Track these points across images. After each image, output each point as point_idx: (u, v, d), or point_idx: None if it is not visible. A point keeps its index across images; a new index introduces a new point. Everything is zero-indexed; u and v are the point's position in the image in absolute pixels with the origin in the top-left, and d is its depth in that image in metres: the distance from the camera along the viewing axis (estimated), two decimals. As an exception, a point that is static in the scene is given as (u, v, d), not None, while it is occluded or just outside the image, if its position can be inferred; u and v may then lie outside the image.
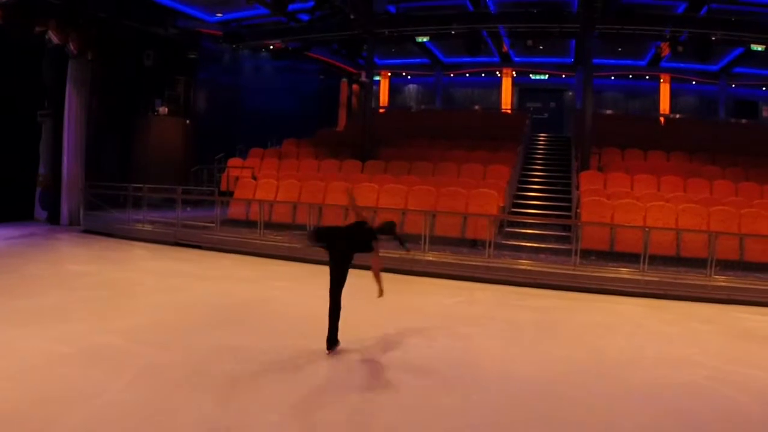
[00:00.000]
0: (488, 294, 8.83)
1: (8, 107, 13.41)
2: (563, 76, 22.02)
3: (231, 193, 13.71)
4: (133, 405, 4.30)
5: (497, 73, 22.68)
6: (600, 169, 13.37)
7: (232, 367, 5.12)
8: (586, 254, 9.98)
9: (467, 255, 10.20)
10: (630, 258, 9.53)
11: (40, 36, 13.04)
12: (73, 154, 13.95)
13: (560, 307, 8.17)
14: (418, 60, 22.51)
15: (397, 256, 9.80)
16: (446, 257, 10.02)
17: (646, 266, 9.08)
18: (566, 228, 11.27)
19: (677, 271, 9.26)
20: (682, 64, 20.07)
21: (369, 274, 5.56)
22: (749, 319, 7.88)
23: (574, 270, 9.29)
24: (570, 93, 22.09)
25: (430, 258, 9.94)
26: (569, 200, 12.83)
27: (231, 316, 6.98)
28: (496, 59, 21.50)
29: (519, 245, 10.69)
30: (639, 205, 10.68)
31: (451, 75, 23.39)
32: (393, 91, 24.46)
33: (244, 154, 16.12)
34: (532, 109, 21.32)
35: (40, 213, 14.50)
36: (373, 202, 11.71)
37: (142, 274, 9.41)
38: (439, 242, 10.47)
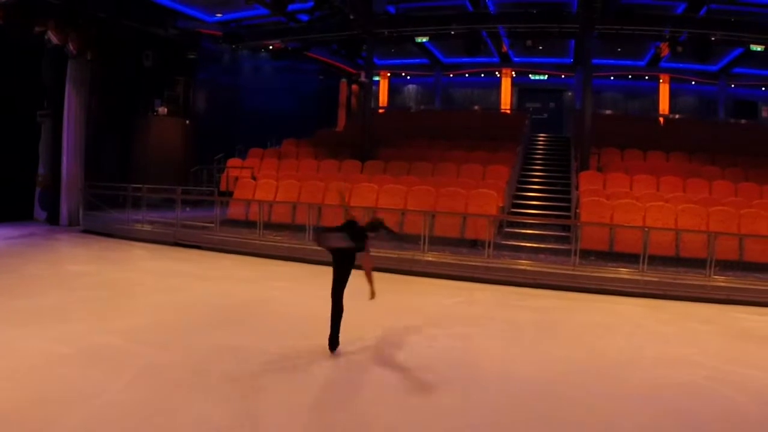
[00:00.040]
0: (488, 294, 8.83)
1: (8, 107, 13.42)
2: (563, 76, 22.04)
3: (230, 194, 13.70)
4: (133, 405, 4.30)
5: (497, 73, 22.69)
6: (599, 169, 13.37)
7: (232, 367, 5.13)
8: (586, 254, 9.98)
9: (467, 255, 10.20)
10: (629, 258, 9.53)
11: (40, 36, 13.04)
12: (72, 154, 13.95)
13: (560, 308, 8.18)
14: (417, 60, 22.52)
15: (396, 256, 9.85)
16: (446, 257, 10.03)
17: (645, 266, 9.08)
18: (566, 228, 11.28)
19: (676, 272, 9.26)
20: (681, 65, 20.08)
21: (373, 275, 5.58)
22: (748, 319, 7.88)
23: (573, 270, 9.29)
24: (569, 93, 22.11)
25: (430, 258, 9.95)
26: (568, 200, 12.83)
27: (231, 316, 6.98)
28: (496, 59, 21.50)
29: (518, 245, 10.69)
30: (638, 205, 10.69)
31: (451, 75, 23.40)
32: (392, 91, 24.46)
33: (243, 155, 16.12)
34: (531, 109, 21.29)
35: (39, 213, 14.50)
36: (373, 203, 11.72)
37: (142, 275, 9.41)
38: (439, 242, 10.47)
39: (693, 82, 21.38)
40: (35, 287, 7.89)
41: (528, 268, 9.47)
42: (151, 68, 16.56)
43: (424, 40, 16.83)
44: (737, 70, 19.97)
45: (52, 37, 13.06)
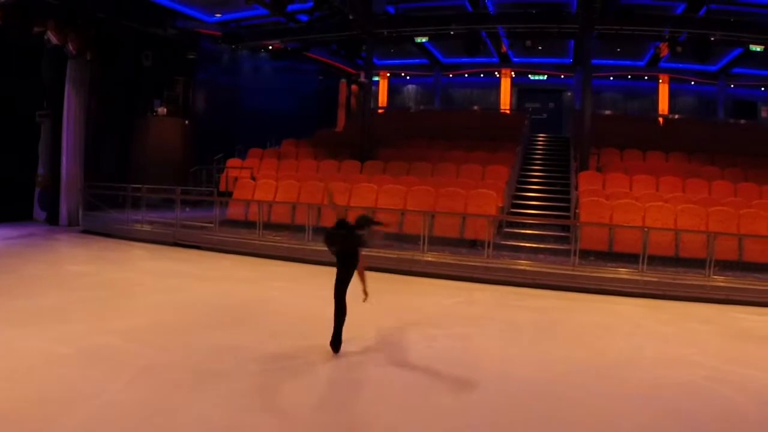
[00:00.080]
0: (487, 294, 8.84)
1: (7, 107, 13.41)
2: (562, 76, 22.04)
3: (230, 194, 13.69)
4: (132, 405, 4.30)
5: (496, 73, 22.68)
6: (599, 169, 13.37)
7: (231, 367, 5.13)
8: (585, 254, 9.98)
9: (466, 255, 10.20)
10: (629, 258, 9.53)
11: (39, 36, 13.03)
12: (71, 155, 13.94)
13: (559, 308, 8.18)
14: (417, 60, 22.52)
15: (395, 256, 9.85)
16: (445, 258, 10.03)
17: (644, 266, 9.09)
18: (565, 228, 11.28)
19: (676, 272, 9.27)
20: (681, 65, 20.08)
21: (365, 274, 5.58)
22: (747, 319, 7.89)
23: (572, 270, 9.30)
24: (569, 93, 22.11)
25: (429, 258, 9.95)
26: (568, 200, 12.83)
27: (230, 316, 6.99)
28: (495, 60, 21.50)
29: (518, 245, 10.69)
30: (638, 205, 10.69)
31: (450, 75, 23.39)
32: (392, 91, 24.46)
33: (243, 155, 16.11)
34: (530, 109, 21.28)
35: (39, 213, 14.49)
36: (372, 203, 11.72)
37: (141, 275, 9.41)
38: (438, 243, 10.47)
39: (692, 83, 21.38)
40: (35, 287, 7.89)
41: (527, 268, 9.48)
42: (151, 68, 16.55)
43: (424, 40, 16.83)
44: (737, 70, 19.98)
45: (52, 38, 13.06)
